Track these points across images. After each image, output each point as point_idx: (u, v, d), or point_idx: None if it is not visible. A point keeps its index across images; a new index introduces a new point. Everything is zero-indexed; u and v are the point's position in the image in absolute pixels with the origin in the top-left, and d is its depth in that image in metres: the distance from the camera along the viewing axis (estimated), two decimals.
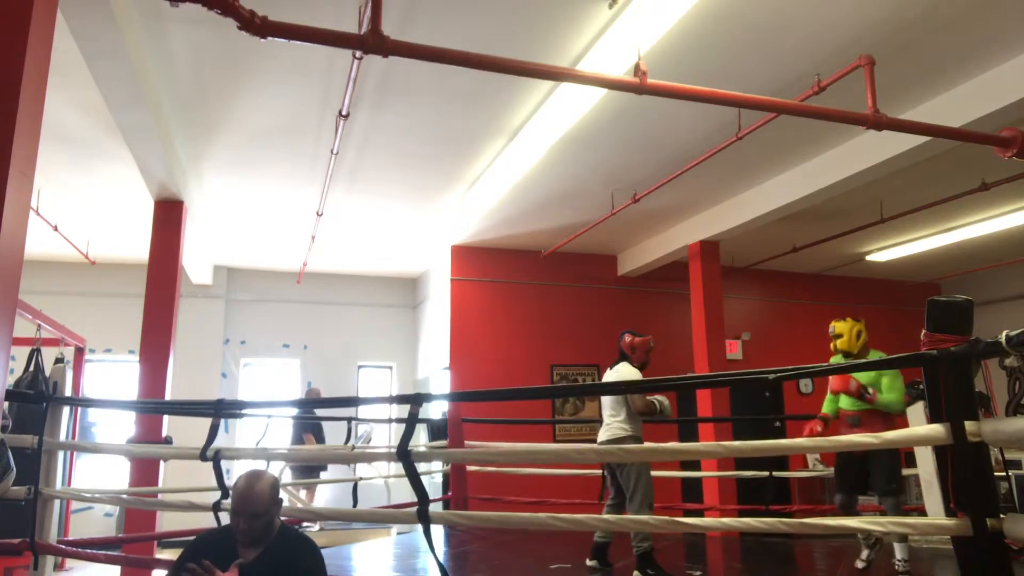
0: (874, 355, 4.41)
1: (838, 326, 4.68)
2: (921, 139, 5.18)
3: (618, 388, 4.66)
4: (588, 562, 4.74)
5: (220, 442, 3.84)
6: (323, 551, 2.79)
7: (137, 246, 8.03)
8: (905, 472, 4.45)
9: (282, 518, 2.80)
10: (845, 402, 4.57)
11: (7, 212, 2.27)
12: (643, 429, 4.74)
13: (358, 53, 4.11)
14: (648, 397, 4.65)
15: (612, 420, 4.69)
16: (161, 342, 6.16)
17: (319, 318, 10.58)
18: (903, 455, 4.49)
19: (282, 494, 2.87)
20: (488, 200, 7.27)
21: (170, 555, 4.86)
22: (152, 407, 5.80)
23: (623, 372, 4.76)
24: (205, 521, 3.83)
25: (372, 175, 6.80)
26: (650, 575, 4.35)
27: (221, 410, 3.79)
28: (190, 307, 9.15)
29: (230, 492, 2.83)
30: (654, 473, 7.01)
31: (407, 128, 5.77)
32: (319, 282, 10.45)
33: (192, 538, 2.90)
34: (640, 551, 4.40)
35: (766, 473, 5.98)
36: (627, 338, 4.88)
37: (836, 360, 4.68)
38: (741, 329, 10.01)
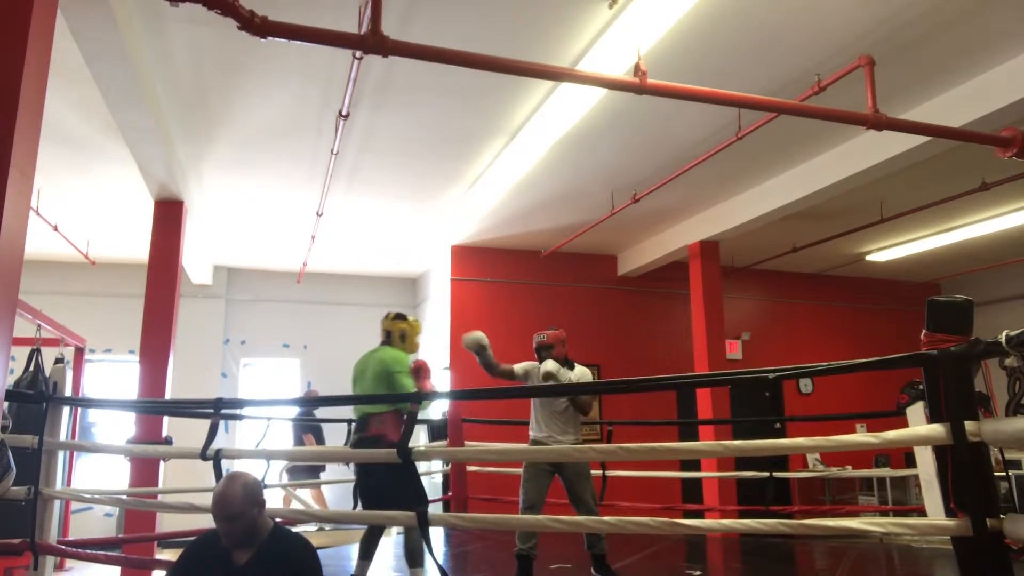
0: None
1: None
2: (921, 139, 5.18)
3: (617, 387, 4.66)
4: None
5: (220, 442, 3.83)
6: (323, 551, 2.78)
7: (137, 246, 8.03)
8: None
9: (277, 519, 2.77)
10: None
11: (7, 212, 2.27)
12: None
13: (358, 53, 4.12)
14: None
15: None
16: (161, 342, 6.17)
17: (319, 318, 10.57)
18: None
19: (286, 494, 2.84)
20: (488, 200, 7.26)
21: (170, 555, 4.85)
22: (152, 407, 5.80)
23: None
24: (205, 521, 3.83)
25: (372, 175, 6.80)
26: None
27: (221, 409, 3.78)
28: (190, 307, 9.14)
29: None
30: (653, 473, 7.10)
31: (407, 128, 5.77)
32: (319, 282, 10.45)
33: (192, 539, 2.89)
34: (519, 552, 4.41)
35: (766, 473, 5.98)
36: None
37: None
38: (741, 329, 10.02)
